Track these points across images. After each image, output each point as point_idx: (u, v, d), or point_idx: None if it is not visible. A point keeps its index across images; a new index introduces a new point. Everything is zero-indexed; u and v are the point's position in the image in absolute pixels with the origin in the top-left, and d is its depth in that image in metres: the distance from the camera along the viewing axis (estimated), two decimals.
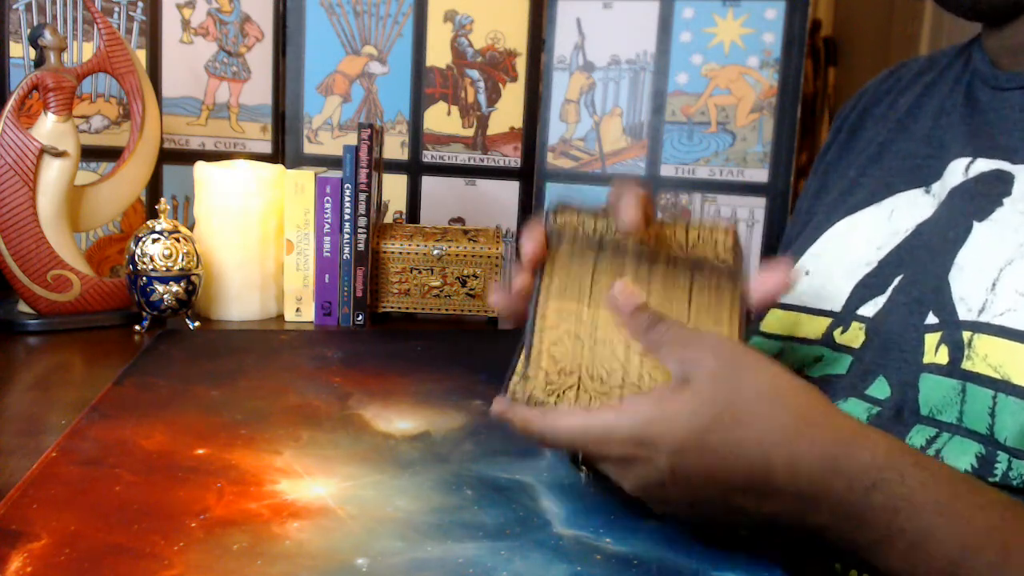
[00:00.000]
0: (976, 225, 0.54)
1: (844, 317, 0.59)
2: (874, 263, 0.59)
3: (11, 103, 0.93)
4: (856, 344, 0.58)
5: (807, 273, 0.64)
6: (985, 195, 0.55)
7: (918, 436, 0.51)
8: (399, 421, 0.69)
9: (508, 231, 1.33)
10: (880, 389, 0.54)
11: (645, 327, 0.49)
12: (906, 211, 0.60)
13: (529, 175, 1.31)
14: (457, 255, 1.07)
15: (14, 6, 1.13)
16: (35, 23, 1.13)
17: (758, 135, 1.22)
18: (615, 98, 1.26)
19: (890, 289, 0.57)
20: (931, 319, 0.54)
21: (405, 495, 0.55)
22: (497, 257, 1.08)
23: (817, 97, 2.90)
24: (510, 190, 1.32)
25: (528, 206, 1.32)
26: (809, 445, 0.43)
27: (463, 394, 0.76)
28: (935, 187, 0.59)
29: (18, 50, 1.14)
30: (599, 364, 0.50)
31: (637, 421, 0.45)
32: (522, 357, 0.51)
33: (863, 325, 0.58)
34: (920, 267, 0.56)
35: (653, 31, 1.23)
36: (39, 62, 0.97)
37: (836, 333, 0.59)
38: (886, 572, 0.44)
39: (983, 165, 0.56)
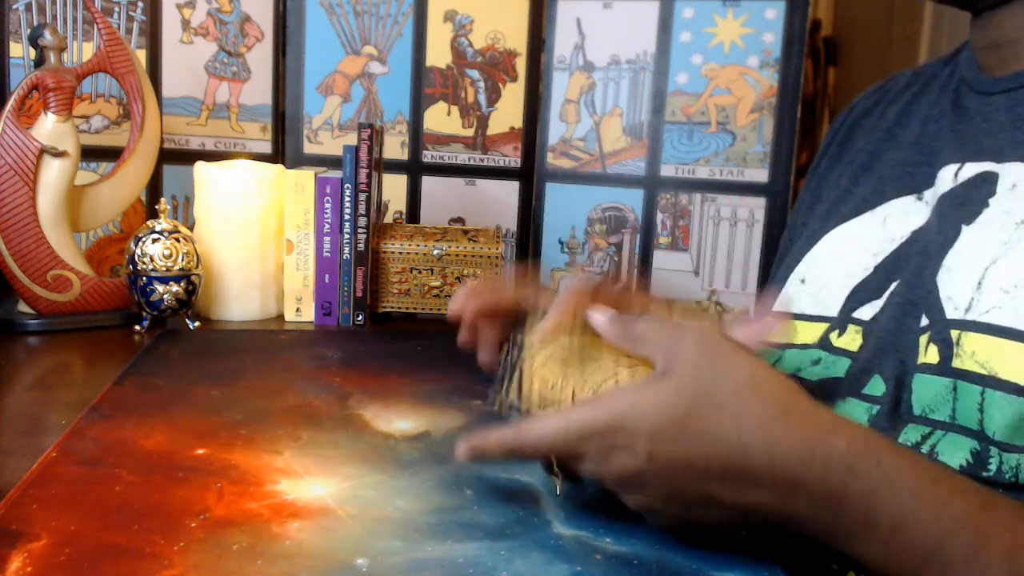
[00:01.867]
0: (964, 228, 0.55)
1: (840, 320, 0.60)
2: (870, 268, 0.60)
3: (11, 103, 0.93)
4: (854, 347, 0.58)
5: (803, 282, 0.65)
6: (972, 199, 0.55)
7: (913, 432, 0.52)
8: (399, 421, 0.69)
9: (508, 231, 1.33)
10: (876, 387, 0.55)
11: (627, 327, 0.49)
12: (900, 218, 0.61)
13: (529, 175, 1.31)
14: (457, 255, 1.07)
15: (14, 6, 1.13)
16: (35, 23, 1.13)
17: (758, 135, 1.22)
18: (615, 98, 1.26)
19: (886, 294, 0.58)
20: (924, 321, 0.54)
21: (405, 495, 0.55)
22: (497, 257, 1.08)
23: (817, 97, 2.91)
24: (510, 190, 1.32)
25: (528, 206, 1.32)
26: (785, 432, 0.44)
27: (463, 394, 0.76)
28: (927, 194, 0.60)
29: (18, 50, 1.14)
30: (589, 380, 0.50)
31: (614, 411, 0.45)
32: (507, 383, 0.52)
33: (860, 328, 0.58)
34: (915, 272, 0.57)
35: (653, 31, 1.23)
36: (39, 62, 0.97)
37: (833, 336, 0.60)
38: (866, 563, 0.44)
39: (971, 169, 0.57)
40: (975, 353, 0.50)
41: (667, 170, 1.25)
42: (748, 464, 0.44)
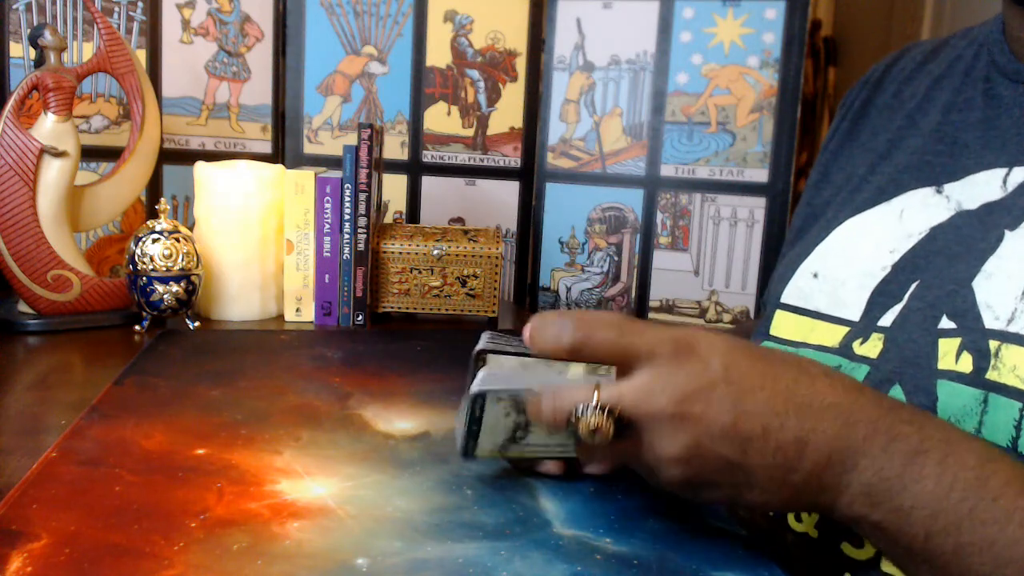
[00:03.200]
0: (1008, 234, 0.52)
1: (864, 329, 0.58)
2: (888, 268, 0.58)
3: (11, 103, 0.93)
4: (874, 355, 0.56)
5: (815, 276, 0.63)
6: (1017, 203, 0.53)
7: None
8: (399, 421, 0.69)
9: (508, 231, 1.33)
10: (896, 397, 0.53)
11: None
12: (918, 212, 0.58)
13: (529, 175, 1.31)
14: (457, 255, 1.07)
15: (14, 6, 1.13)
16: (35, 23, 1.13)
17: (758, 135, 1.22)
18: (615, 98, 1.26)
19: (906, 296, 0.56)
20: (945, 323, 0.52)
21: (405, 495, 0.55)
22: (497, 257, 1.08)
23: (817, 97, 2.90)
24: (510, 190, 1.32)
25: (528, 206, 1.32)
26: (836, 373, 0.47)
27: (463, 394, 0.76)
28: (947, 188, 0.58)
29: (18, 50, 1.14)
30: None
31: (693, 332, 0.46)
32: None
33: (882, 335, 0.56)
34: (936, 273, 0.55)
35: (653, 31, 1.23)
36: (39, 62, 0.97)
37: (855, 344, 0.58)
38: (919, 497, 0.43)
39: (1020, 175, 0.54)
40: (1016, 367, 0.48)
41: (667, 170, 1.25)
42: (813, 383, 0.45)
